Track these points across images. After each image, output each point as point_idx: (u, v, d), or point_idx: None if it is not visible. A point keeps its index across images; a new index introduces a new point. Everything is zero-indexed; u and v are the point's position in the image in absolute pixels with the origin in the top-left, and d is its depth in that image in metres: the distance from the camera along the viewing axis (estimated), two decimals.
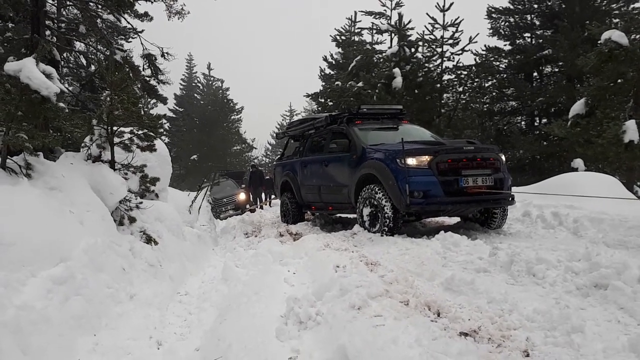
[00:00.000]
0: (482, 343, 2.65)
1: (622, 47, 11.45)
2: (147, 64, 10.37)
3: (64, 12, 11.14)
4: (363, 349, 2.61)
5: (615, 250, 4.66)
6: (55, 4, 10.45)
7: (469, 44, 18.19)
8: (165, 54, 10.31)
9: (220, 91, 39.15)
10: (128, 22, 10.75)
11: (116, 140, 5.62)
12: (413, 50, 18.12)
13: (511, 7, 20.66)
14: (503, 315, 3.06)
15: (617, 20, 17.31)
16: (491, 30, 21.29)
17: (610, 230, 5.89)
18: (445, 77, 19.12)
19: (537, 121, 21.09)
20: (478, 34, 17.99)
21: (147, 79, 10.51)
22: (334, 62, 26.17)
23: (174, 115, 38.20)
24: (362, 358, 2.55)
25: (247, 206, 17.06)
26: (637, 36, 12.20)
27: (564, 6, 19.11)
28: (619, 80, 12.43)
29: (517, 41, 21.02)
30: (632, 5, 17.40)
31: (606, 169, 12.32)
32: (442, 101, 19.16)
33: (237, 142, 39.30)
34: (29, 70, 4.15)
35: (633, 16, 14.73)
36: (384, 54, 18.82)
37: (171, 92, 38.48)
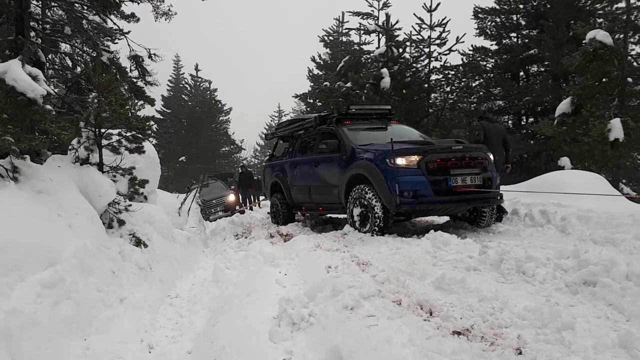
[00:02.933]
0: (475, 341, 2.67)
1: (606, 46, 11.57)
2: (134, 66, 10.29)
3: (49, 13, 11.00)
4: (357, 350, 2.61)
5: (603, 248, 4.72)
6: (40, 5, 10.32)
7: (456, 44, 18.26)
8: (153, 55, 10.22)
9: (208, 92, 38.94)
10: (114, 23, 10.64)
11: (104, 142, 5.56)
12: (401, 50, 18.15)
13: (497, 7, 20.80)
14: (494, 313, 3.08)
15: (601, 20, 17.51)
16: (478, 30, 21.42)
17: (598, 227, 5.96)
18: (433, 77, 19.18)
19: (524, 120, 21.24)
20: (465, 34, 18.06)
21: (135, 80, 10.42)
22: (322, 63, 26.17)
23: (161, 117, 37.87)
24: (356, 358, 2.56)
25: (237, 207, 17.01)
26: (621, 35, 12.37)
27: (549, 6, 19.30)
28: (604, 79, 12.57)
29: (504, 41, 21.16)
30: (615, 5, 17.60)
31: (592, 167, 12.42)
32: (430, 101, 19.22)
33: (226, 143, 39.07)
34: (15, 72, 4.10)
35: (616, 16, 14.92)
36: (371, 55, 18.83)
37: (158, 94, 38.23)
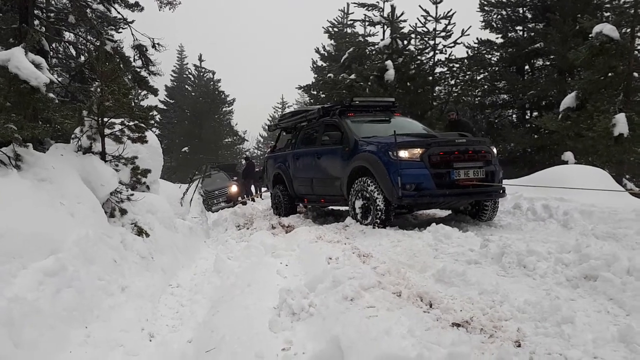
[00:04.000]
0: (474, 333, 2.67)
1: (613, 40, 11.49)
2: (138, 55, 10.27)
3: (53, 2, 10.99)
4: (356, 340, 2.62)
5: (604, 242, 4.71)
6: None
7: (461, 36, 18.17)
8: (156, 45, 10.21)
9: (212, 83, 38.82)
10: (118, 12, 10.65)
11: (107, 131, 5.56)
12: (405, 42, 18.07)
13: (503, 0, 20.66)
14: (494, 306, 3.09)
15: (609, 13, 17.36)
16: (483, 23, 21.25)
17: (600, 222, 5.94)
18: (438, 69, 19.08)
19: (529, 114, 21.15)
20: (470, 26, 17.96)
21: (138, 70, 10.41)
22: (326, 54, 26.07)
23: (164, 107, 37.86)
24: (355, 349, 2.56)
25: (239, 198, 17.04)
26: (628, 30, 12.25)
27: None
28: (610, 74, 12.49)
29: (509, 34, 20.99)
30: None
31: (596, 162, 12.36)
32: (434, 94, 19.14)
33: (229, 134, 39.03)
34: (18, 60, 4.10)
35: (624, 10, 14.77)
36: (376, 46, 18.74)
37: (162, 84, 38.18)
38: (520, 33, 20.93)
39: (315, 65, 26.98)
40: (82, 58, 11.50)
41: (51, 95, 4.79)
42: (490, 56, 20.88)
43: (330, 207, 9.58)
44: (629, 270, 3.33)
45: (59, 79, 10.76)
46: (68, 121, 5.27)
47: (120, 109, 5.42)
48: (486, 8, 20.96)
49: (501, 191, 6.71)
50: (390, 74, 16.48)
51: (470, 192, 6.37)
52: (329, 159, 7.78)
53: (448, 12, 18.08)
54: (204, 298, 4.44)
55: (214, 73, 38.80)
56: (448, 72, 19.22)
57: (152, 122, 6.16)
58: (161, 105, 37.06)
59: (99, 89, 5.38)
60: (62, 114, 5.32)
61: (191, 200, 8.85)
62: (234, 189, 17.86)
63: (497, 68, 20.61)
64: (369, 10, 20.25)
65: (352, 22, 25.58)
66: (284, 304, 3.46)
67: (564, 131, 13.24)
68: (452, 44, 18.45)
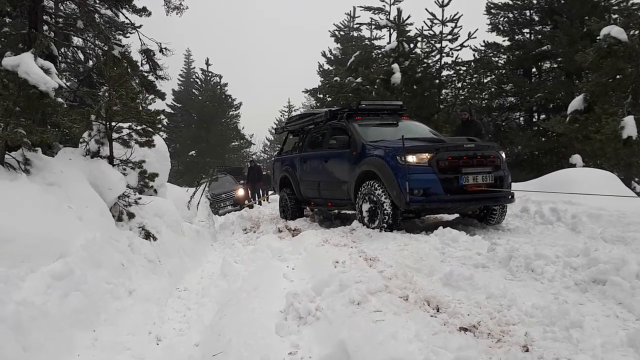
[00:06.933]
0: (481, 338, 2.66)
1: (621, 42, 11.43)
2: (146, 60, 10.35)
3: (62, 7, 11.11)
4: (363, 344, 2.61)
5: (613, 246, 4.67)
6: None
7: (467, 39, 18.15)
8: (164, 50, 10.29)
9: (219, 87, 38.96)
10: (126, 17, 10.73)
11: (115, 135, 5.60)
12: (412, 45, 18.05)
13: (510, 2, 20.56)
14: (502, 310, 3.07)
15: (616, 15, 17.26)
16: (490, 26, 21.20)
17: (609, 226, 5.89)
18: (444, 72, 19.08)
19: (536, 117, 21.05)
20: (477, 29, 17.94)
21: (146, 74, 10.49)
22: (332, 58, 26.14)
23: (172, 111, 38.03)
24: (362, 353, 2.56)
25: (246, 202, 17.07)
26: (636, 32, 12.17)
27: (563, 2, 19.05)
28: (618, 76, 12.41)
29: (516, 37, 20.92)
30: (631, 1, 17.32)
31: (604, 165, 12.28)
32: (441, 97, 19.12)
33: (236, 138, 39.15)
34: (27, 65, 4.13)
35: (632, 12, 14.69)
36: (382, 50, 18.76)
37: (169, 88, 38.40)
38: (527, 35, 20.86)
39: (321, 69, 27.05)
40: (90, 63, 11.62)
41: (60, 99, 4.84)
42: (497, 59, 20.82)
43: (337, 211, 9.57)
44: (638, 274, 3.30)
45: (68, 84, 10.85)
46: (76, 125, 5.31)
47: (128, 113, 5.46)
48: (493, 11, 20.91)
49: (510, 197, 6.65)
50: (397, 77, 16.48)
51: (479, 198, 6.31)
52: (336, 162, 7.77)
53: (454, 15, 18.08)
54: (210, 302, 4.45)
55: (220, 77, 38.96)
56: (455, 75, 19.20)
57: (160, 126, 6.16)
58: (168, 110, 37.22)
59: (107, 94, 5.42)
60: (71, 118, 5.36)
61: (198, 203, 8.87)
62: (240, 192, 17.91)
63: (504, 71, 20.55)
64: (375, 14, 20.29)
65: (358, 25, 25.68)
66: (290, 308, 3.46)
67: (572, 134, 13.16)
68: (459, 47, 18.44)
